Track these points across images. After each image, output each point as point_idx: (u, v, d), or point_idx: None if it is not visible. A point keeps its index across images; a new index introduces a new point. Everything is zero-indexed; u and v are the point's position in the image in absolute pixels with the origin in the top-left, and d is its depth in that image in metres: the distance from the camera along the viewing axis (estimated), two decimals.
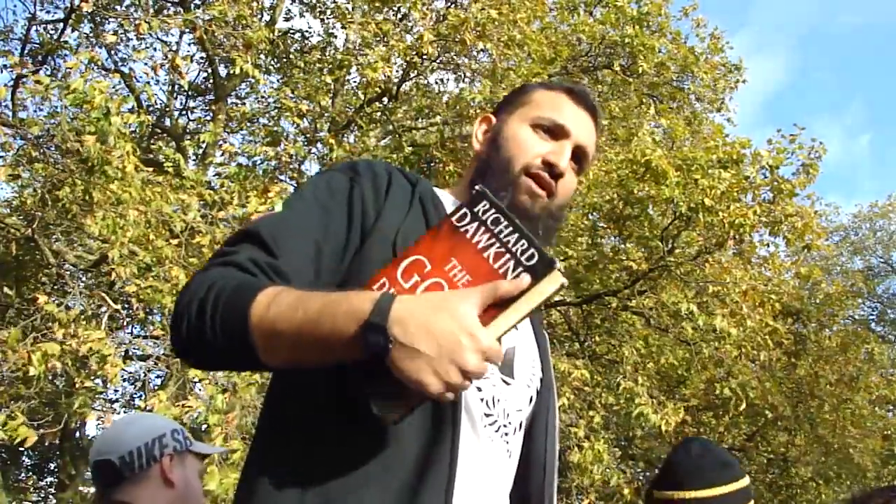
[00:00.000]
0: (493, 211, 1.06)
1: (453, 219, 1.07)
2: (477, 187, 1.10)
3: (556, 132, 1.35)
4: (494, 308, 0.98)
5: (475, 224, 1.06)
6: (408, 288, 1.03)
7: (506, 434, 1.20)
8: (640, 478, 10.62)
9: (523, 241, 1.03)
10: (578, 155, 1.36)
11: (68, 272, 7.34)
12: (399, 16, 8.84)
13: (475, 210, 1.07)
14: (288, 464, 1.07)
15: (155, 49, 9.54)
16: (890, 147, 43.25)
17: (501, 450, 1.19)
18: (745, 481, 1.85)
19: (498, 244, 1.03)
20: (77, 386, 5.73)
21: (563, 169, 1.31)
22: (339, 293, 1.00)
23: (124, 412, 9.96)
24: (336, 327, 0.95)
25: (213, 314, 1.02)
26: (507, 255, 1.02)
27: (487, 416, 1.17)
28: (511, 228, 1.04)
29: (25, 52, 7.84)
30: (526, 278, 0.99)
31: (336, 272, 1.16)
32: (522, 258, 1.01)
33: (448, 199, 1.34)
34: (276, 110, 9.04)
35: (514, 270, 1.01)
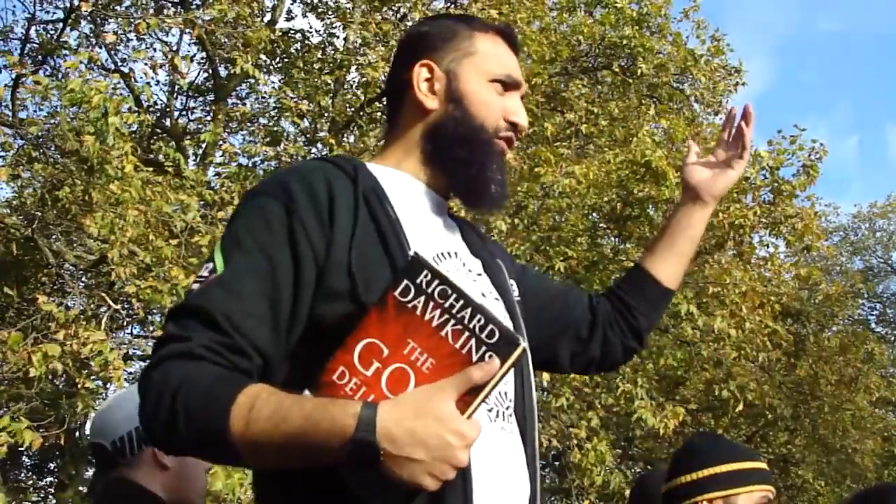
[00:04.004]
0: (437, 282, 1.00)
1: (397, 293, 1.01)
2: (412, 254, 1.05)
3: (509, 85, 1.31)
4: (468, 393, 0.96)
5: (422, 298, 1.00)
6: (370, 376, 1.00)
7: (509, 416, 1.19)
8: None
9: (479, 315, 0.98)
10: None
11: (68, 272, 7.34)
12: (399, 16, 8.84)
13: (417, 282, 1.01)
14: (290, 485, 1.08)
15: (155, 49, 9.54)
16: (879, 149, 43.24)
17: (510, 431, 1.18)
18: (745, 465, 1.88)
19: (453, 321, 0.99)
20: (78, 386, 5.73)
21: (526, 127, 1.31)
22: (316, 404, 0.97)
23: None
24: (320, 444, 0.95)
25: (188, 430, 0.99)
26: (467, 333, 0.98)
27: (489, 411, 1.15)
28: (462, 302, 0.99)
29: (25, 52, 7.84)
30: (496, 361, 0.96)
31: (297, 323, 1.11)
32: (483, 335, 0.98)
33: (389, 181, 1.25)
34: (276, 110, 9.03)
35: (477, 350, 0.97)
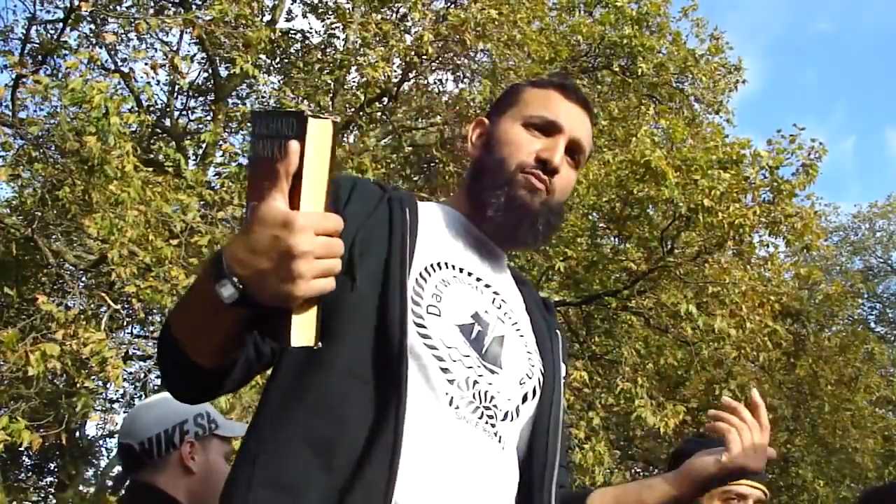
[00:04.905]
0: (259, 120, 1.01)
1: (253, 153, 1.01)
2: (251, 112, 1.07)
3: (548, 129, 1.34)
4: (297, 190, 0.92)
5: (259, 143, 0.99)
6: None
7: (489, 418, 1.20)
8: (641, 478, 10.61)
9: (279, 120, 0.95)
10: (573, 149, 1.35)
11: (68, 272, 7.34)
12: (399, 16, 8.85)
13: (257, 134, 1.00)
14: (248, 451, 1.13)
15: (155, 49, 9.54)
16: (876, 150, 43.15)
17: (484, 433, 1.19)
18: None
19: (276, 140, 0.95)
20: (77, 386, 5.74)
21: (558, 164, 1.31)
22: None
23: (125, 412, 9.95)
24: (201, 295, 1.00)
25: (161, 345, 1.15)
26: (278, 141, 0.94)
27: (461, 397, 1.17)
28: (269, 120, 0.98)
29: (25, 52, 7.84)
30: (293, 143, 0.92)
31: None
32: (284, 132, 0.94)
33: (430, 208, 1.35)
34: None
35: (282, 149, 0.94)
